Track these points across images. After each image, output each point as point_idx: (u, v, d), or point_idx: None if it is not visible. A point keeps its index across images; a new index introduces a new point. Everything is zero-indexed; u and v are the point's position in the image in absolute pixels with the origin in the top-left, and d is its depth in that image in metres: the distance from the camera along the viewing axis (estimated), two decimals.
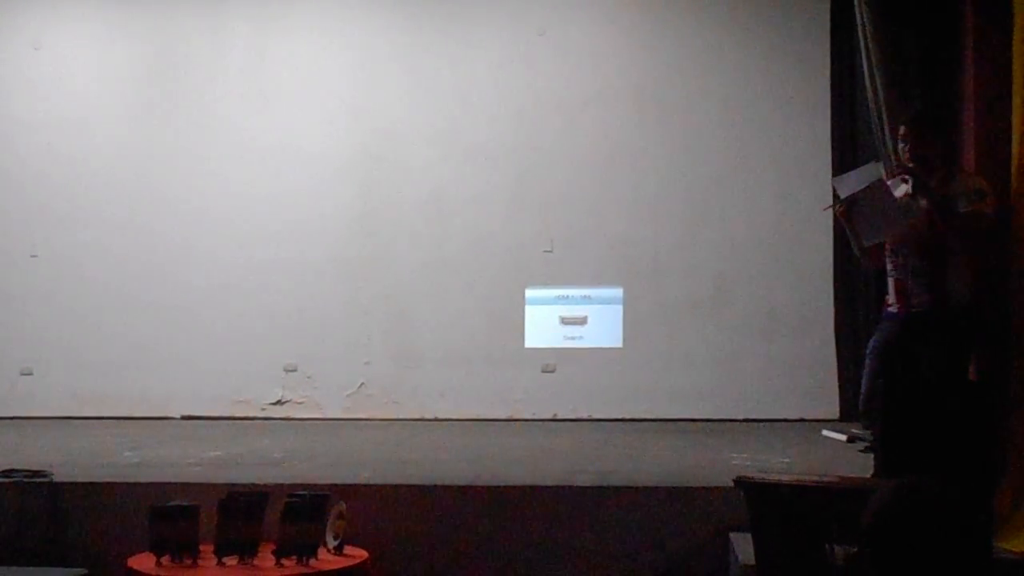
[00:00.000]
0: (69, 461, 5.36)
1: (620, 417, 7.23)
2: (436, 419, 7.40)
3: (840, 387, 7.12)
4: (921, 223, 4.73)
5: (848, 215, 4.94)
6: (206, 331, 7.62)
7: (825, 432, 6.45)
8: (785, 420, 7.09)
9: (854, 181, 4.92)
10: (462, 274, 7.57)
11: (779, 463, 5.35)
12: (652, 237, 7.47)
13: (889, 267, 5.03)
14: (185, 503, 4.36)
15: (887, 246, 5.00)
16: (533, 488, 4.73)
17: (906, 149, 4.86)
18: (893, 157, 5.12)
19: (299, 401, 7.60)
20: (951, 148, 5.01)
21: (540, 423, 7.26)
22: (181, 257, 7.69)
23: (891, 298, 5.07)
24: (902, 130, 4.93)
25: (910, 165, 4.79)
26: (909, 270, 4.87)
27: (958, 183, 4.73)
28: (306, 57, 7.77)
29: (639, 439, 6.41)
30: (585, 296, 7.49)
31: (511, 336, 7.49)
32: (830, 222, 6.93)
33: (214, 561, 4.19)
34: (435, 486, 4.77)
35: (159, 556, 4.20)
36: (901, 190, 4.85)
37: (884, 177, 4.90)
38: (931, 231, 4.71)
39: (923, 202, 4.71)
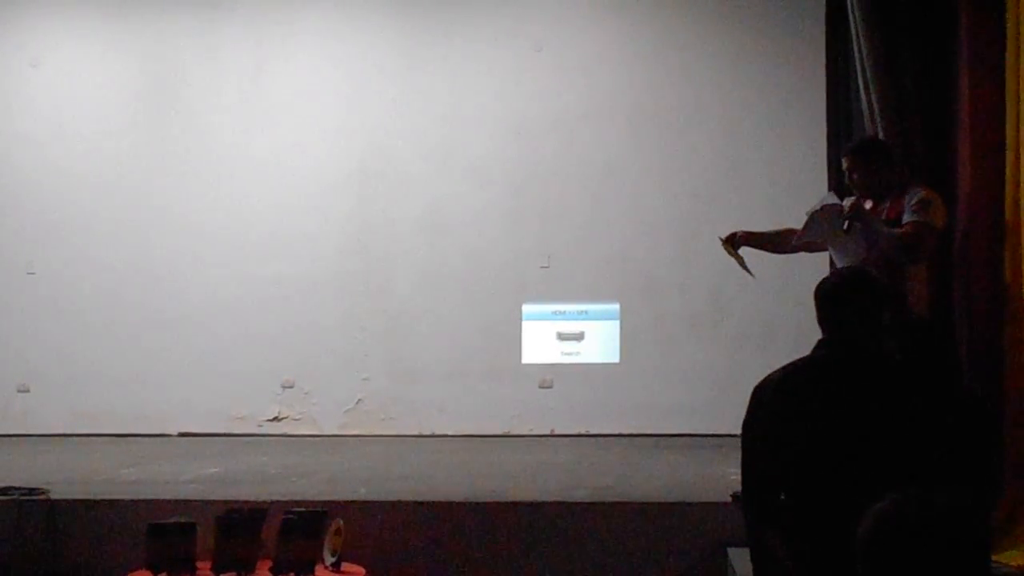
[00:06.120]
0: (66, 478, 5.36)
1: (617, 432, 7.23)
2: (433, 435, 7.39)
3: None
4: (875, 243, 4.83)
5: (733, 243, 5.12)
6: (203, 348, 7.61)
7: None
8: None
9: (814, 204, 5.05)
10: (459, 290, 7.57)
11: None
12: (649, 253, 7.48)
13: None
14: (182, 520, 4.36)
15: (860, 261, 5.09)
16: (530, 504, 4.74)
17: (848, 178, 5.00)
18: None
19: (296, 417, 7.59)
20: (906, 170, 5.08)
21: (537, 439, 7.25)
22: (178, 274, 7.69)
23: None
24: (844, 162, 5.05)
25: (855, 194, 4.92)
26: None
27: (907, 198, 4.83)
28: (303, 74, 7.78)
29: (636, 454, 6.41)
30: (582, 312, 7.49)
31: (508, 352, 7.48)
32: None
33: None
34: (432, 502, 4.77)
35: (156, 573, 4.20)
36: (868, 204, 4.95)
37: (838, 203, 5.01)
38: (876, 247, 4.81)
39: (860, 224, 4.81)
